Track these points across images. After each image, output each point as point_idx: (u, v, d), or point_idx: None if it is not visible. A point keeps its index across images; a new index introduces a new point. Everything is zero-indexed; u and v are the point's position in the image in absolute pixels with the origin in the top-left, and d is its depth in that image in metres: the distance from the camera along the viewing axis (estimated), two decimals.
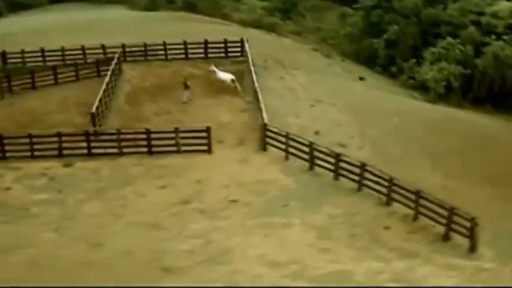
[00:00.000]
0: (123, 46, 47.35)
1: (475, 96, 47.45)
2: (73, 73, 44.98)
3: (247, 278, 24.83)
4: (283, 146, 33.99)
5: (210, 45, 47.81)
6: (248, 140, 36.15)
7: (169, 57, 47.61)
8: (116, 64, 44.24)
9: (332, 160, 32.24)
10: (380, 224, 29.59)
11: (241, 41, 48.09)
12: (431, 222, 28.36)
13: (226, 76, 42.32)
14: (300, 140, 33.42)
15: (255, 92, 39.26)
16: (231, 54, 47.92)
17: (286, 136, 33.71)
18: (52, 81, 44.57)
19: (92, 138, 34.82)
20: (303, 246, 27.93)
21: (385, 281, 25.47)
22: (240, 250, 27.14)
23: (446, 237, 27.88)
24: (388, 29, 53.32)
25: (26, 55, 47.57)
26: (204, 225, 28.83)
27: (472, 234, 27.10)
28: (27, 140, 34.97)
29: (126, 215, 29.78)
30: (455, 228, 27.61)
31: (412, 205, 29.57)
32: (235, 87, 41.25)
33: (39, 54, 47.46)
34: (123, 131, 34.89)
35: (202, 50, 47.75)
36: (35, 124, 38.95)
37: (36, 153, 34.80)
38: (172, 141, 34.68)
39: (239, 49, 47.96)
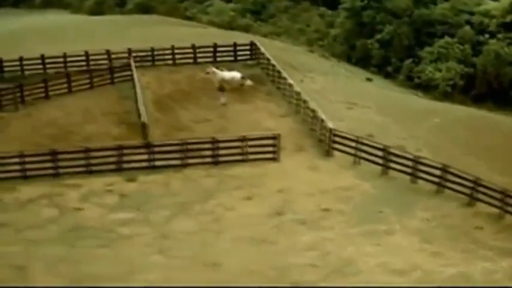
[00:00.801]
0: (130, 51, 45.40)
1: (477, 93, 48.82)
2: (87, 81, 42.60)
3: None
4: (352, 151, 33.52)
5: (219, 49, 46.62)
6: (305, 145, 35.43)
7: (177, 61, 46.01)
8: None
9: (409, 163, 32.13)
10: (471, 224, 29.85)
11: (251, 44, 47.24)
12: None
13: (233, 74, 40.81)
14: (372, 143, 33.09)
15: (296, 96, 38.59)
16: (240, 57, 46.94)
17: (357, 140, 33.27)
18: (66, 90, 42.08)
19: (155, 150, 32.96)
20: (413, 251, 27.75)
21: (501, 280, 25.81)
22: (361, 260, 26.58)
23: None
24: (381, 29, 53.84)
25: (24, 62, 44.75)
26: (312, 237, 28.01)
27: None
28: (82, 155, 32.69)
29: (225, 230, 28.42)
30: None
31: (498, 204, 30.00)
32: (243, 85, 39.83)
33: (39, 61, 44.77)
34: (188, 141, 33.27)
35: (211, 54, 46.49)
36: (69, 137, 36.64)
37: (93, 168, 32.57)
38: (239, 150, 33.45)
39: (248, 52, 47.06)
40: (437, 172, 31.68)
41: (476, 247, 28.39)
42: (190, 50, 46.50)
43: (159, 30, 57.90)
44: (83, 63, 45.47)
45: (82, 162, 32.76)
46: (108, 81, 43.27)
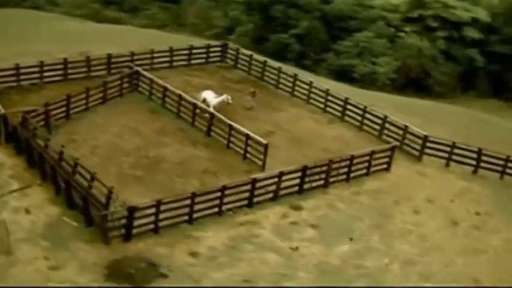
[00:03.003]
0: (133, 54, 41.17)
1: (399, 84, 54.47)
2: (101, 94, 37.58)
3: None
4: (445, 155, 36.56)
5: (194, 51, 44.72)
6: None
7: (154, 66, 42.90)
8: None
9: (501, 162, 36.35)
10: None
11: (223, 45, 46.09)
12: None
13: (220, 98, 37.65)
14: (465, 147, 36.52)
15: (333, 100, 39.63)
16: (212, 59, 45.61)
17: (452, 145, 36.38)
18: (84, 107, 36.68)
19: (308, 173, 31.79)
20: None
21: None
22: None
23: None
24: (294, 24, 55.59)
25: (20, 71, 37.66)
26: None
27: None
28: (246, 187, 30.11)
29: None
30: None
31: None
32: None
33: (36, 69, 37.92)
34: (333, 160, 32.72)
35: (186, 57, 44.32)
36: (158, 165, 32.72)
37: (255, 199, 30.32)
38: (366, 165, 34.10)
39: (219, 54, 45.92)
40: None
41: None
42: (168, 54, 43.51)
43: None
44: (60, 71, 39.48)
45: (245, 195, 30.05)
46: (117, 93, 38.59)
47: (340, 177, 33.05)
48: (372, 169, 34.32)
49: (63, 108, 35.17)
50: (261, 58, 45.12)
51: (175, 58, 43.49)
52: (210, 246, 27.25)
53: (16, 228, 26.77)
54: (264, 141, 32.95)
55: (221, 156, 33.89)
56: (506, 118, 52.37)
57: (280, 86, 42.86)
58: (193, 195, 28.02)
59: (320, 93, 41.00)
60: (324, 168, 32.19)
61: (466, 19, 56.08)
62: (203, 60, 44.80)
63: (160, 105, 38.17)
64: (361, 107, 38.79)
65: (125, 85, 38.73)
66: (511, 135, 46.00)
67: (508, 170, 36.47)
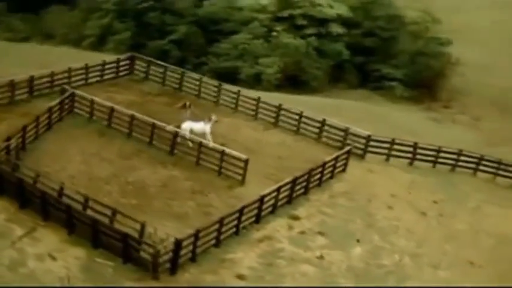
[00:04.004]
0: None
1: (279, 82, 56.49)
2: (47, 120, 35.73)
3: None
4: (385, 151, 39.68)
5: (106, 67, 43.72)
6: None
7: (72, 84, 41.38)
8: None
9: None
10: None
11: (131, 58, 45.36)
12: None
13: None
14: (402, 142, 39.85)
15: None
16: (121, 73, 44.84)
17: (391, 142, 39.53)
18: (34, 136, 34.68)
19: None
20: None
21: None
22: None
23: None
24: (171, 30, 55.21)
25: None
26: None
27: None
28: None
29: None
30: None
31: None
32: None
33: None
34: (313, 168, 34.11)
35: (99, 73, 43.22)
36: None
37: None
38: (331, 168, 36.06)
39: (127, 67, 45.17)
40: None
41: None
42: (83, 71, 42.03)
43: None
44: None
45: (255, 212, 30.62)
46: (59, 117, 36.85)
47: (314, 183, 34.53)
48: (335, 172, 36.22)
49: (20, 140, 32.71)
50: (179, 69, 44.86)
51: (90, 75, 41.90)
52: (249, 267, 27.47)
53: (52, 277, 24.96)
54: (244, 157, 33.43)
55: (196, 174, 33.71)
56: (381, 105, 57.01)
57: (202, 95, 43.01)
58: (222, 219, 28.03)
59: (250, 100, 41.91)
60: (306, 176, 33.49)
61: (332, 16, 59.82)
62: (114, 75, 43.66)
63: (105, 127, 36.75)
64: (297, 112, 40.41)
65: (65, 108, 36.74)
66: (401, 121, 50.51)
67: (439, 159, 40.24)
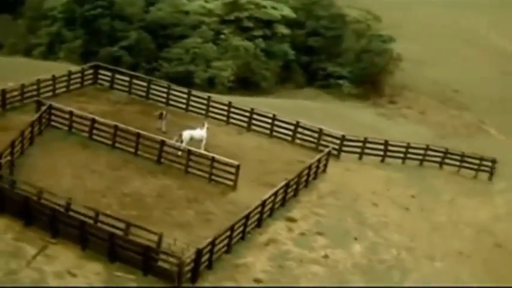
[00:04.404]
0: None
1: (231, 84, 56.92)
2: (30, 135, 35.23)
3: None
4: (359, 150, 41.04)
5: (72, 77, 43.36)
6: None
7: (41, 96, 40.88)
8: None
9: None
10: None
11: (95, 67, 45.02)
12: None
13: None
14: (374, 141, 41.32)
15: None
16: (86, 82, 44.51)
17: (364, 141, 40.93)
18: (20, 151, 34.17)
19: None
20: None
21: None
22: None
23: None
24: (121, 36, 54.69)
25: None
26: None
27: None
28: None
29: None
30: None
31: None
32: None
33: None
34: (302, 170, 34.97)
35: (65, 84, 42.82)
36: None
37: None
38: (315, 169, 37.09)
39: (91, 76, 44.85)
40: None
41: None
42: (50, 83, 41.51)
43: None
44: None
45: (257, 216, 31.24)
46: (39, 131, 36.38)
47: (302, 185, 35.46)
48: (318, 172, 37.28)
49: (8, 157, 32.12)
50: (146, 77, 44.78)
51: (57, 86, 41.40)
52: (263, 271, 28.06)
53: None
54: (236, 162, 33.95)
55: (187, 182, 33.92)
56: (330, 102, 58.39)
57: (171, 103, 43.16)
58: (232, 227, 28.54)
59: (220, 106, 42.35)
60: (296, 179, 34.35)
61: (276, 17, 60.79)
62: (79, 85, 43.27)
63: (87, 139, 36.46)
64: (270, 115, 41.17)
65: (43, 121, 36.26)
66: (359, 119, 51.98)
67: (408, 156, 41.90)
